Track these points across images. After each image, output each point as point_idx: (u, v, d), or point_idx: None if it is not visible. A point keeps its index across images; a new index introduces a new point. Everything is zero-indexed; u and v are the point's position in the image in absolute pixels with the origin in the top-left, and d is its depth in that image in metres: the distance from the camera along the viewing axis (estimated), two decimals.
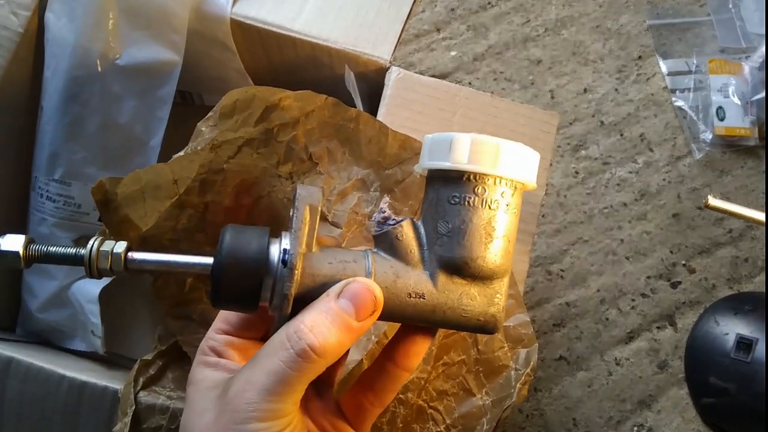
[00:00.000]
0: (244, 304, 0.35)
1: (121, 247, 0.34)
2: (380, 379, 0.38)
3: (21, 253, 0.33)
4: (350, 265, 0.35)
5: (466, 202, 0.36)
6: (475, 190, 0.36)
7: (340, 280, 0.34)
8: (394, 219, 0.37)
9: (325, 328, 0.32)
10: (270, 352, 0.33)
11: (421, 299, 0.36)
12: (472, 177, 0.36)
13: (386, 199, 0.37)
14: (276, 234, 0.36)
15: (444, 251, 0.36)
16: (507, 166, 0.35)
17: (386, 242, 0.37)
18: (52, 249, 0.34)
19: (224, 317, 0.39)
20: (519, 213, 0.38)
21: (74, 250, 0.34)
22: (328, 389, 0.40)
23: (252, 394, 0.32)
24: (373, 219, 0.38)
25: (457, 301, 0.36)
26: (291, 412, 0.33)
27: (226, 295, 0.34)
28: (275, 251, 0.34)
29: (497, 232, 0.36)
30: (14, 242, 0.33)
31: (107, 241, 0.34)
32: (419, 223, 0.37)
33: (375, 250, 0.37)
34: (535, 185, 0.38)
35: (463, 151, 0.36)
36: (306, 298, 0.34)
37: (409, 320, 0.37)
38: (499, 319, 0.37)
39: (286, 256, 0.34)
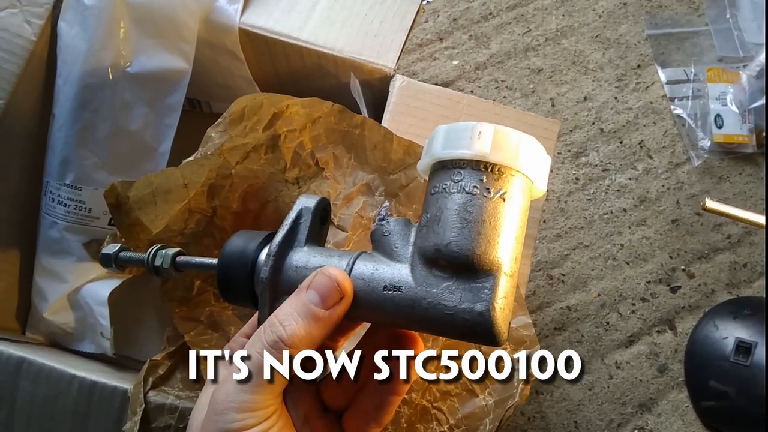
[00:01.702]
0: (242, 297, 0.38)
1: (171, 250, 0.41)
2: (375, 404, 0.39)
3: (113, 255, 0.43)
4: (332, 260, 0.36)
5: (443, 190, 0.34)
6: (452, 177, 0.34)
7: None
8: (387, 219, 0.37)
9: (293, 319, 0.33)
10: (250, 344, 0.34)
11: (398, 293, 0.34)
12: (449, 164, 0.34)
13: (386, 203, 0.38)
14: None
15: (421, 241, 0.35)
16: (481, 146, 0.33)
17: (377, 240, 0.37)
18: (130, 254, 0.43)
19: (251, 322, 0.41)
20: (517, 203, 0.34)
21: (143, 256, 0.42)
22: (333, 411, 0.40)
23: (231, 385, 0.33)
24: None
25: (438, 296, 0.33)
26: (269, 406, 0.33)
27: (224, 289, 0.38)
28: (267, 248, 0.37)
29: (473, 216, 0.33)
30: (111, 248, 0.43)
31: (163, 249, 0.41)
32: (413, 223, 0.37)
33: (371, 251, 0.37)
34: (527, 173, 0.34)
35: (438, 140, 0.35)
36: (290, 291, 0.36)
37: (391, 319, 0.35)
38: (492, 319, 0.32)
39: (270, 248, 0.36)
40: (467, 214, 0.33)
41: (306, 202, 0.38)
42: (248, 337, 0.40)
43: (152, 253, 0.41)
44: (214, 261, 0.39)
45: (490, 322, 0.32)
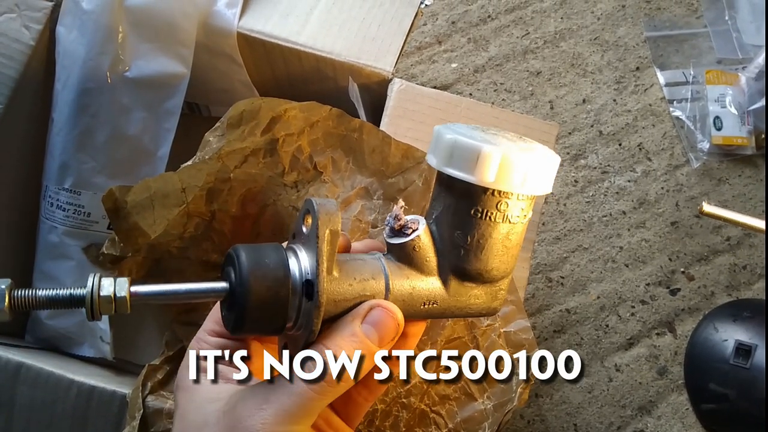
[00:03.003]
0: (270, 331, 0.34)
1: (123, 289, 0.30)
2: (370, 374, 0.37)
3: (6, 305, 0.28)
4: (369, 284, 0.35)
5: (488, 217, 0.35)
6: (498, 206, 0.35)
7: (362, 300, 0.34)
8: (410, 227, 0.36)
9: (349, 354, 0.33)
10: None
11: (434, 305, 0.37)
12: (496, 193, 0.35)
13: (401, 203, 0.37)
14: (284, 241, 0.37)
15: (460, 262, 0.36)
16: (534, 184, 0.35)
17: (402, 251, 0.37)
18: (42, 293, 0.29)
19: (215, 318, 0.37)
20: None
21: (69, 292, 0.30)
22: None
23: (269, 414, 0.31)
24: (386, 224, 0.38)
25: (465, 302, 0.38)
26: None
27: (251, 324, 0.32)
28: (294, 269, 0.33)
29: (512, 243, 0.37)
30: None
31: (105, 280, 0.30)
32: (433, 227, 0.37)
33: (388, 256, 0.37)
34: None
35: (492, 168, 0.34)
36: (328, 320, 0.34)
37: (417, 319, 0.39)
38: (499, 308, 0.40)
39: (312, 289, 0.33)
40: (508, 242, 0.37)
41: (329, 222, 0.33)
42: (219, 335, 0.37)
43: (93, 293, 0.30)
44: (214, 286, 0.33)
45: (499, 309, 0.40)
